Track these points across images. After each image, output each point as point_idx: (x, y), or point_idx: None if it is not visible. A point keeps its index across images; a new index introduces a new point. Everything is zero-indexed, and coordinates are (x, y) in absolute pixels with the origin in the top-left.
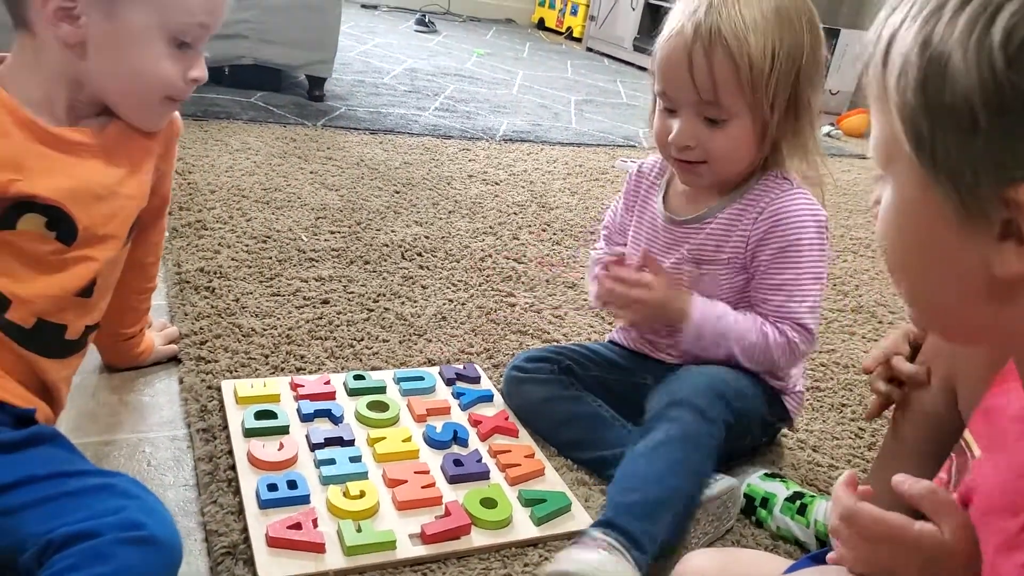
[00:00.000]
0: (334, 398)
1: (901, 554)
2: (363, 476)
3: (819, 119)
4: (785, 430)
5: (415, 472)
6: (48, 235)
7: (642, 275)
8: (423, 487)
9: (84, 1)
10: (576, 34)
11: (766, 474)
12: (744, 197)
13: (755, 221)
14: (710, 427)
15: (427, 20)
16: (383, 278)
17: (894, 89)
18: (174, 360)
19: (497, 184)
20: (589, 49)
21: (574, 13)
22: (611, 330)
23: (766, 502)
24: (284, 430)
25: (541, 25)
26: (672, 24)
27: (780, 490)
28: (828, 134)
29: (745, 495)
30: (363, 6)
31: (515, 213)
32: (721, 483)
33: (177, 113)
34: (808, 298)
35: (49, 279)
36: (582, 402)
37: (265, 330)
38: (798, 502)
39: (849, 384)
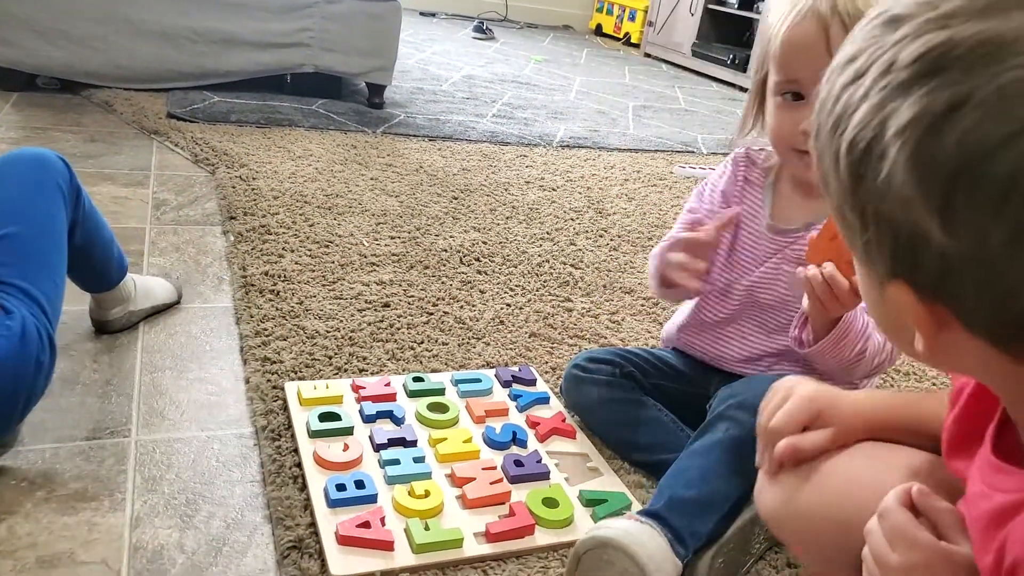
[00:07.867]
0: (395, 399)
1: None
2: (427, 476)
3: None
4: None
5: (483, 469)
6: None
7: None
8: (491, 483)
9: None
10: (634, 40)
11: None
12: None
13: None
14: None
15: (485, 27)
16: (442, 282)
17: None
18: (241, 360)
19: (554, 190)
20: (647, 55)
21: (632, 19)
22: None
23: None
24: (348, 431)
25: (599, 31)
26: (795, 7)
27: None
28: None
29: None
30: (422, 14)
31: (572, 219)
32: None
33: None
34: None
35: None
36: (645, 406)
37: (328, 332)
38: None
39: None
